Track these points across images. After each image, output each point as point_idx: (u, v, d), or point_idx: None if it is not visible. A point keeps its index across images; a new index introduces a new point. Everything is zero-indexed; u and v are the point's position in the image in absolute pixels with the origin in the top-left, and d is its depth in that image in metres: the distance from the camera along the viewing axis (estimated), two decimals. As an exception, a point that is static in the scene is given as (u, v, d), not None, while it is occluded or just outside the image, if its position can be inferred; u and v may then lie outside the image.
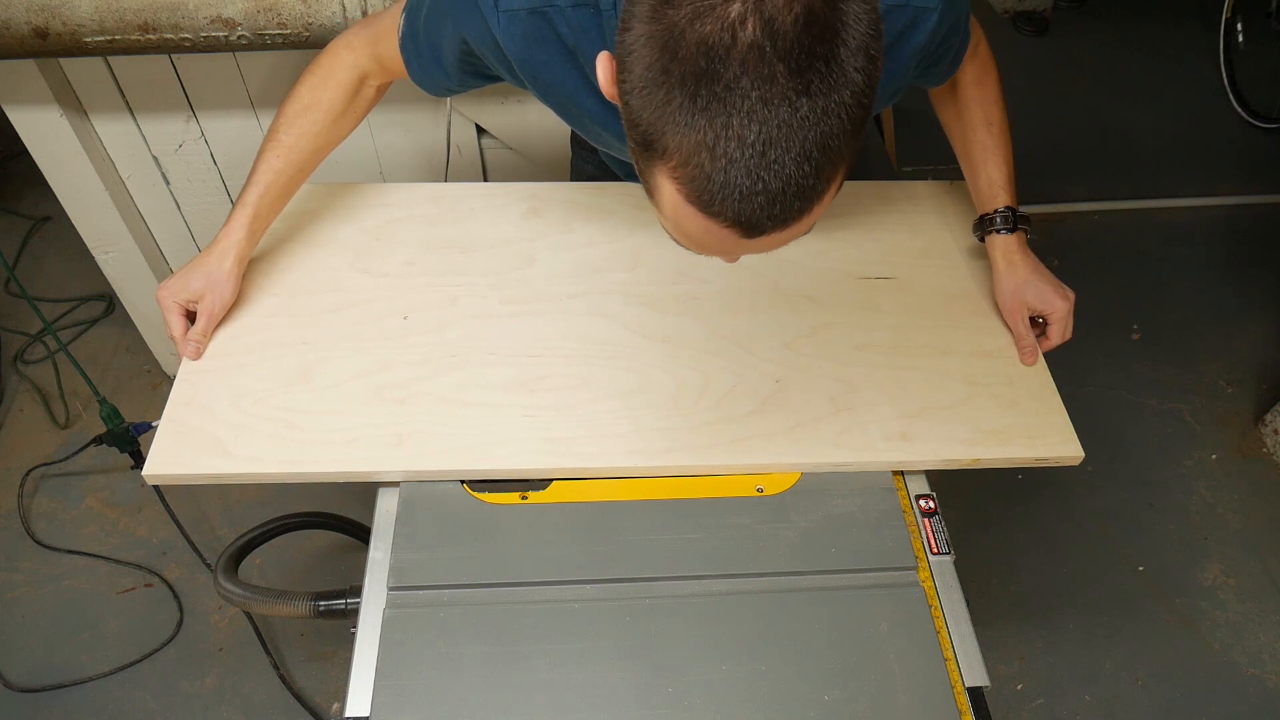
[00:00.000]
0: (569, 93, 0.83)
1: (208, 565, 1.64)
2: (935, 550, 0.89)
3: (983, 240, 1.05)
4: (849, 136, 0.55)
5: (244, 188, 0.95)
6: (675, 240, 0.64)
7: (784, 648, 0.81)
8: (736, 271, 1.07)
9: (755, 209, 0.55)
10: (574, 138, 1.25)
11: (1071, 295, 0.98)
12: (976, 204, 1.04)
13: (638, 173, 0.62)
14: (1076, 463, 0.94)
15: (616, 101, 0.60)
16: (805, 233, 0.63)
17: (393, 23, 0.91)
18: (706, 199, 0.56)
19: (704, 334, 1.00)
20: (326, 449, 0.88)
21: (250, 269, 1.03)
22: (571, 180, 1.30)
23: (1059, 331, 0.99)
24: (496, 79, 0.89)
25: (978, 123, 1.01)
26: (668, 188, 0.58)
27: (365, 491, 0.91)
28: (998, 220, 1.00)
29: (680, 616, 0.82)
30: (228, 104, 1.54)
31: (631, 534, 0.87)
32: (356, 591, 0.86)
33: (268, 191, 0.95)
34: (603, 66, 0.63)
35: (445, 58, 0.88)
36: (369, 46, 0.95)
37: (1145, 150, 2.75)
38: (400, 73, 0.95)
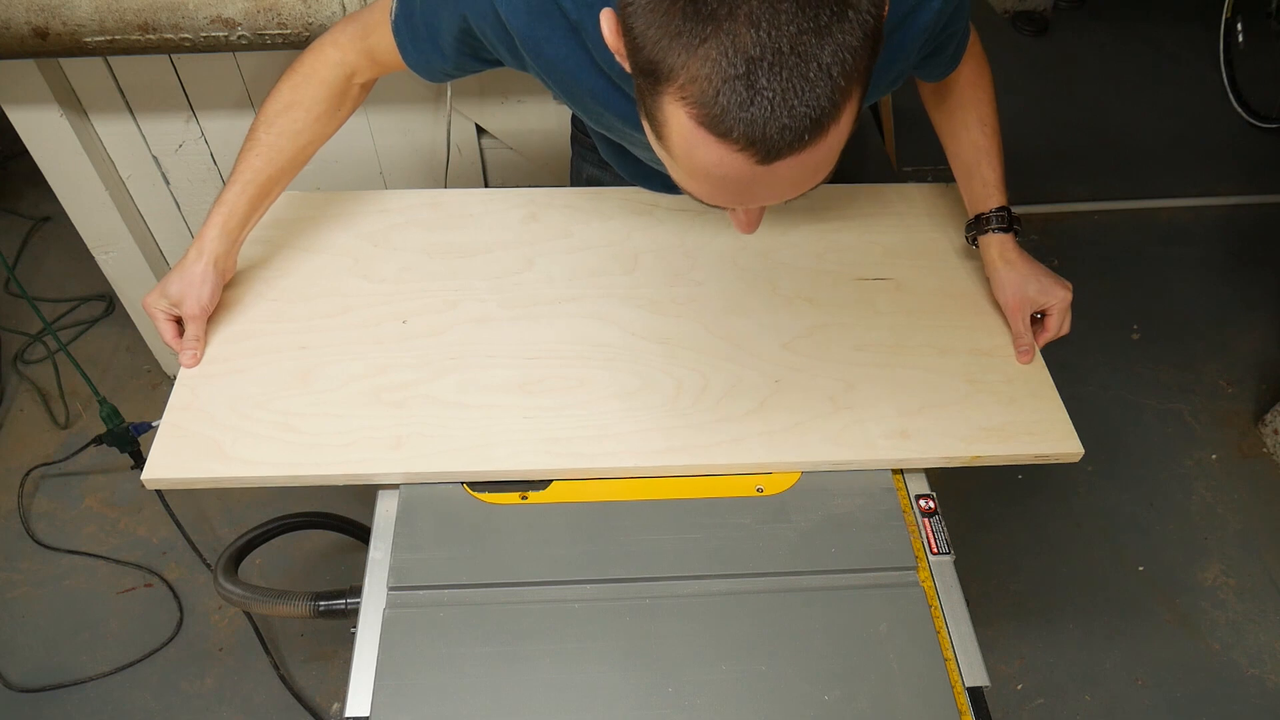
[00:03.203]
0: (571, 70, 0.82)
1: (208, 565, 1.64)
2: (935, 550, 0.89)
3: (973, 242, 1.05)
4: (862, 52, 0.53)
5: (223, 188, 0.94)
6: (688, 192, 0.61)
7: (784, 648, 0.81)
8: (734, 274, 1.07)
9: (768, 123, 0.52)
10: (574, 137, 1.25)
11: (1070, 286, 0.98)
12: (969, 204, 1.04)
13: (645, 117, 0.59)
14: (1076, 459, 0.94)
15: (621, 53, 0.58)
16: (823, 177, 0.59)
17: (382, 14, 0.90)
18: (717, 117, 0.53)
19: (703, 335, 1.00)
20: (325, 451, 0.88)
21: (248, 275, 1.03)
22: (571, 179, 1.30)
23: (1058, 323, 0.99)
24: (494, 63, 0.88)
25: (972, 123, 1.01)
26: (677, 116, 0.55)
27: (365, 492, 0.91)
28: (994, 220, 1.00)
29: (680, 616, 0.82)
30: (228, 104, 1.54)
31: (631, 534, 0.87)
32: (356, 591, 0.86)
33: (245, 190, 0.93)
34: (607, 20, 0.61)
35: (443, 39, 0.87)
36: (357, 41, 0.94)
37: (1145, 150, 2.75)
38: (392, 65, 0.93)
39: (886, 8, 0.55)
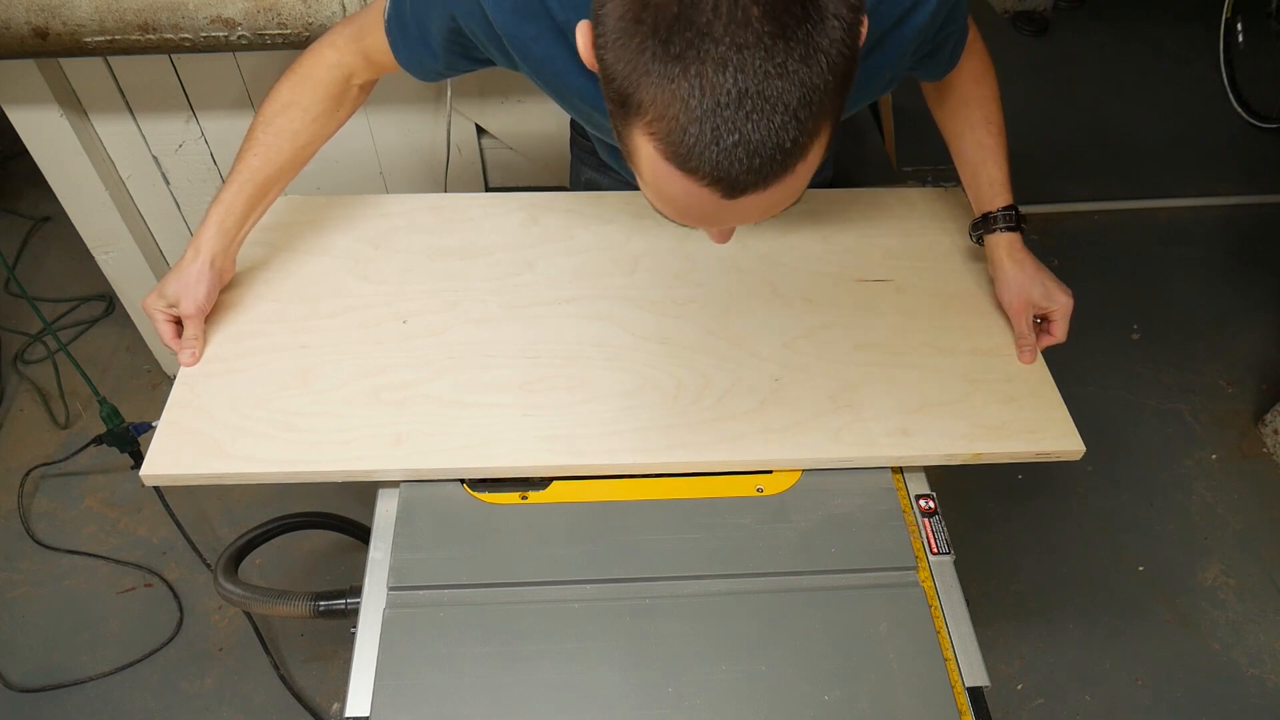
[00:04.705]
0: (559, 70, 0.82)
1: (208, 565, 1.64)
2: (935, 550, 0.89)
3: (979, 241, 1.05)
4: (831, 90, 0.54)
5: (220, 188, 0.94)
6: (658, 210, 0.63)
7: (784, 648, 0.81)
8: (734, 275, 1.07)
9: (733, 164, 0.54)
10: (573, 140, 1.25)
11: (1072, 293, 0.98)
12: (975, 203, 1.04)
13: (616, 138, 0.60)
14: (1077, 457, 0.94)
15: (596, 69, 0.59)
16: (791, 202, 0.61)
17: (377, 15, 0.90)
18: (684, 155, 0.54)
19: (703, 336, 1.00)
20: (325, 449, 0.88)
21: (248, 276, 1.03)
22: (570, 181, 1.30)
23: (1062, 329, 0.99)
24: (486, 62, 0.88)
25: (977, 121, 1.01)
26: (645, 147, 0.56)
27: (365, 491, 0.91)
28: (1001, 219, 1.00)
29: (680, 616, 0.83)
30: (228, 104, 1.54)
31: (631, 534, 0.87)
32: (356, 591, 0.86)
33: (242, 189, 0.93)
34: (582, 34, 0.61)
35: (433, 38, 0.87)
36: (354, 42, 0.94)
37: (1145, 150, 2.75)
38: (388, 65, 0.93)
39: (862, 38, 0.55)
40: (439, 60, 0.89)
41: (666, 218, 0.64)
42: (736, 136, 0.52)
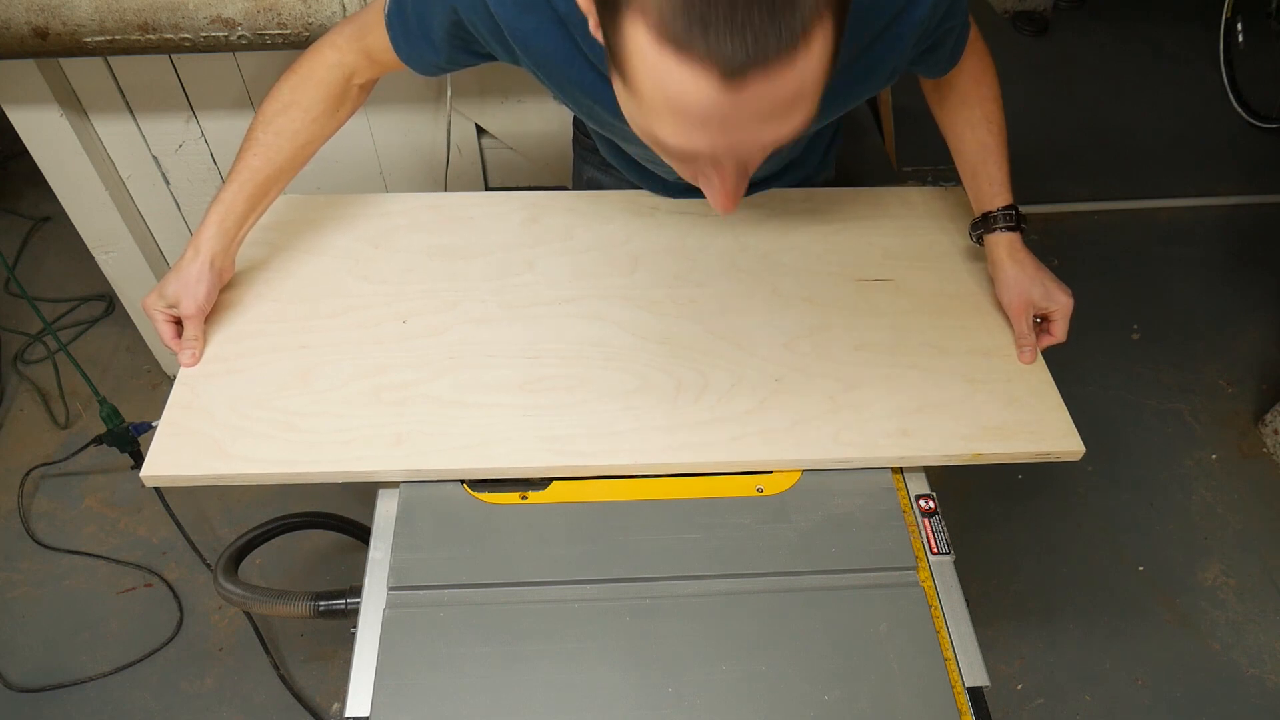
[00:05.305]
0: (560, 63, 0.82)
1: (208, 565, 1.64)
2: (935, 550, 0.89)
3: (978, 241, 1.05)
4: None
5: (220, 188, 0.94)
6: (656, 145, 0.61)
7: (784, 648, 0.81)
8: (735, 276, 1.07)
9: (732, 35, 0.52)
10: (575, 139, 1.25)
11: (1071, 293, 0.98)
12: (975, 203, 1.04)
13: (613, 68, 0.59)
14: (1077, 457, 0.94)
15: (591, 10, 0.58)
16: (800, 120, 0.58)
17: (378, 14, 0.91)
18: (682, 26, 0.52)
19: (702, 336, 1.00)
20: (325, 450, 0.88)
21: (249, 276, 1.03)
22: (572, 181, 1.30)
23: (1063, 329, 0.99)
24: (487, 56, 0.89)
25: (977, 121, 1.01)
26: (637, 39, 0.54)
27: (365, 491, 0.91)
28: (1001, 219, 1.00)
29: (680, 616, 0.82)
30: (228, 104, 1.54)
31: (631, 534, 0.87)
32: (356, 591, 0.86)
33: (242, 189, 0.93)
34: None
35: (434, 32, 0.87)
36: (355, 41, 0.94)
37: (1145, 150, 2.75)
38: (389, 64, 0.94)
39: None
40: (440, 55, 0.90)
41: (667, 155, 0.61)
42: (734, 2, 0.51)
